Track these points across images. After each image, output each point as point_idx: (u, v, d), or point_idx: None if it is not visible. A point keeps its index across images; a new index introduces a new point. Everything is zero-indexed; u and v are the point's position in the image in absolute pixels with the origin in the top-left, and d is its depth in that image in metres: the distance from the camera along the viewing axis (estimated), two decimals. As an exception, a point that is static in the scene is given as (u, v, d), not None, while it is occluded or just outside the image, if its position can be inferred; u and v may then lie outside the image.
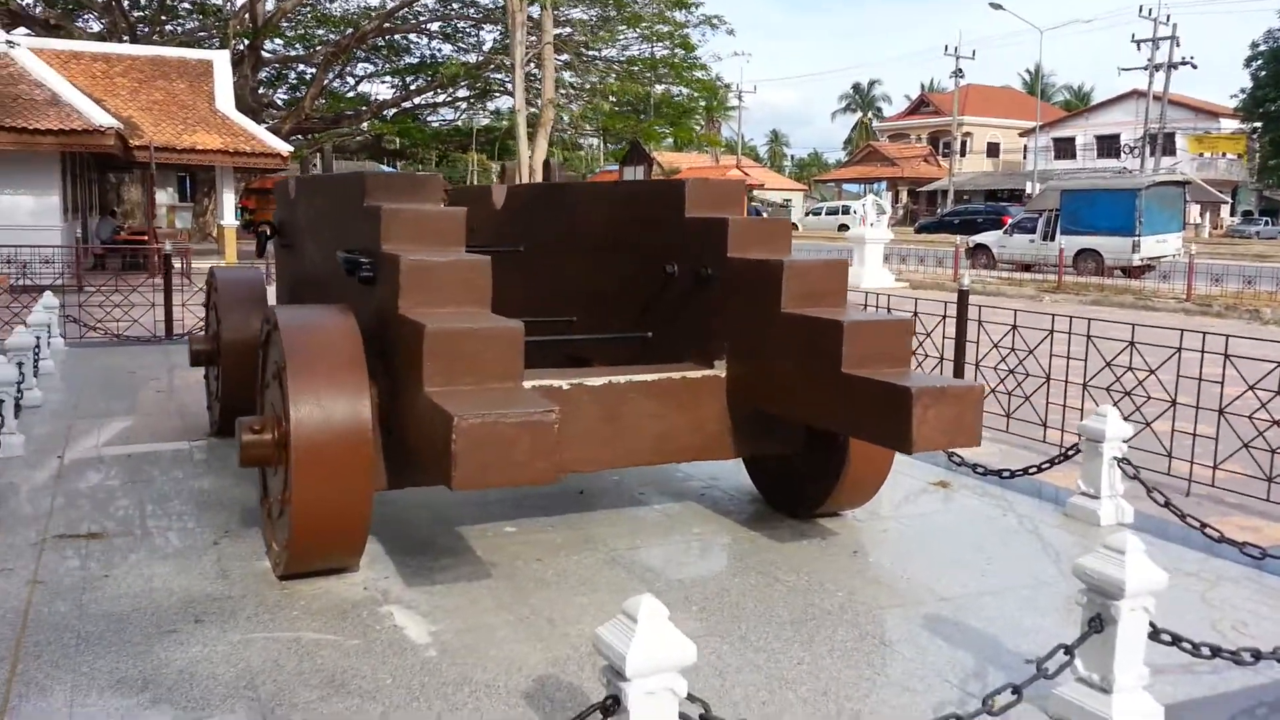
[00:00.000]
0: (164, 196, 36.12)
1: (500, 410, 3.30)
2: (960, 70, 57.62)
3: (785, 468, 5.42)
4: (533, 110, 28.71)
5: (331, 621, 3.86)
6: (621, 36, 35.16)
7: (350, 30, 36.62)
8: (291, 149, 26.67)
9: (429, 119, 41.80)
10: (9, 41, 20.61)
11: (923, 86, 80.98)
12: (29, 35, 31.32)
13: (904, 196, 68.32)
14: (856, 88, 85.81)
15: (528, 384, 4.42)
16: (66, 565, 4.35)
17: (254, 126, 25.72)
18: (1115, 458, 5.26)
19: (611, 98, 36.36)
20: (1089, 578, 3.16)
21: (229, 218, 26.73)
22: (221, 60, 27.02)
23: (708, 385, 4.82)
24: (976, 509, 5.60)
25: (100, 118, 19.26)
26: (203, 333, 7.46)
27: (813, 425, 4.63)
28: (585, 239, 6.14)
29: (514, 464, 3.30)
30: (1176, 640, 3.26)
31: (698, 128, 72.64)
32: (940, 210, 54.47)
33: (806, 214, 57.94)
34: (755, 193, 68.84)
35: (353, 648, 3.65)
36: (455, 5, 37.89)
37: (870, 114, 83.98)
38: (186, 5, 36.72)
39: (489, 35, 39.03)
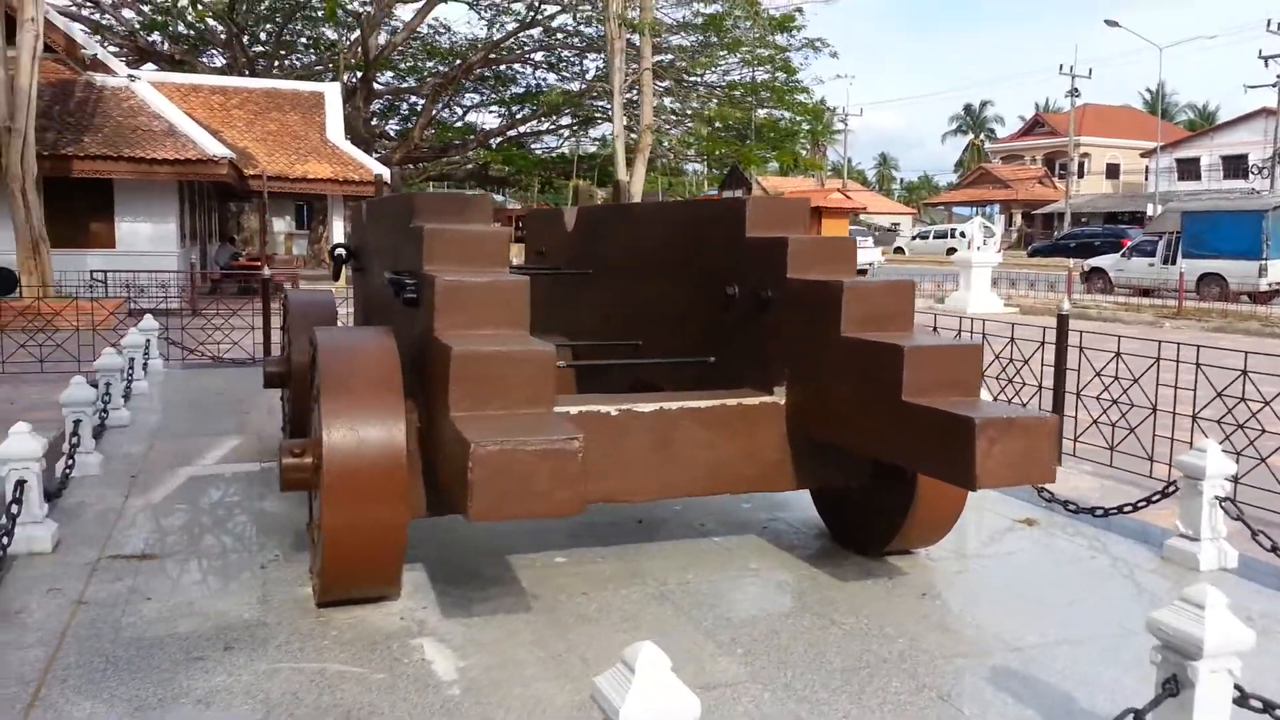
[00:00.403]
0: (282, 224, 37.47)
1: (521, 437, 3.14)
2: (1076, 89, 55.85)
3: (852, 501, 5.13)
4: (632, 136, 28.82)
5: (360, 653, 3.74)
6: (722, 61, 35.13)
7: (458, 62, 37.46)
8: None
9: (534, 146, 42.43)
10: (130, 76, 21.64)
11: (1037, 106, 78.83)
12: (155, 70, 32.97)
13: (1018, 219, 66.41)
14: (968, 109, 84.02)
15: (577, 408, 4.29)
16: (113, 586, 4.35)
17: (362, 156, 26.45)
18: (1217, 496, 4.82)
19: (714, 123, 36.29)
20: (1163, 633, 2.82)
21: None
22: (332, 92, 27.90)
23: (765, 412, 4.59)
24: (1064, 550, 5.20)
25: (214, 147, 20.03)
26: (277, 355, 7.54)
27: (873, 457, 4.34)
28: (650, 261, 5.98)
29: (534, 494, 3.13)
30: (1269, 708, 2.88)
31: (803, 151, 72.16)
32: (1056, 233, 52.68)
33: (913, 238, 56.69)
34: (861, 216, 67.93)
35: (377, 682, 3.52)
36: (559, 35, 38.43)
37: (982, 135, 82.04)
38: (303, 41, 38.10)
39: (592, 64, 39.43)
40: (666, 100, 36.94)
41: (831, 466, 4.69)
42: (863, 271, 30.88)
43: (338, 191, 25.94)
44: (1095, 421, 7.82)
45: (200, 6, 32.37)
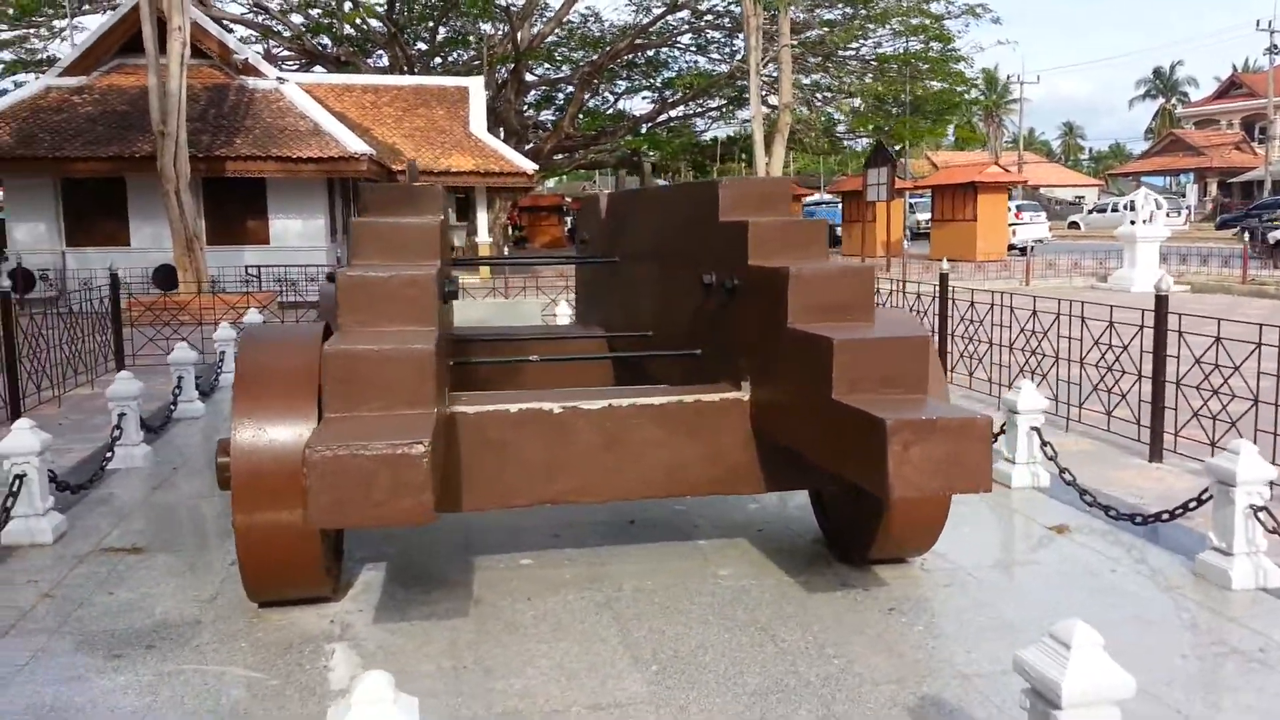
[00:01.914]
0: (441, 216, 38.68)
1: (361, 442, 3.01)
2: (1276, 46, 51.05)
3: (837, 506, 4.78)
4: (775, 115, 28.24)
5: (269, 657, 3.73)
6: (872, 35, 33.93)
7: (606, 49, 37.65)
8: (537, 168, 27.70)
9: (687, 130, 42.22)
10: (279, 78, 22.73)
11: (1234, 67, 72.52)
12: (322, 71, 34.59)
13: (1213, 189, 61.51)
14: (1157, 72, 78.19)
15: (518, 406, 4.14)
16: (88, 580, 4.51)
17: (503, 148, 26.93)
18: (1252, 506, 4.22)
19: (856, 99, 35.18)
20: (1027, 676, 2.44)
21: (483, 235, 28.15)
22: (476, 86, 28.51)
23: (727, 410, 4.31)
24: (1083, 562, 4.68)
25: (355, 145, 20.83)
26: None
27: (813, 460, 3.99)
28: (651, 248, 5.76)
29: (374, 502, 3.00)
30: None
31: (972, 122, 68.93)
32: (1251, 203, 48.47)
33: (1089, 211, 53.32)
34: (1040, 190, 64.42)
35: (267, 689, 3.49)
36: (708, 17, 38.02)
37: (1174, 99, 76.34)
38: (458, 37, 39.12)
39: (741, 44, 38.84)
40: (815, 77, 36.04)
41: (801, 469, 4.36)
42: (1022, 249, 29.24)
43: (481, 183, 26.52)
44: (1196, 414, 7.04)
45: (355, 8, 33.70)
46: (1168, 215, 22.04)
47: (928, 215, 35.41)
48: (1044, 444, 5.75)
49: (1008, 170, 31.76)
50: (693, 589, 4.37)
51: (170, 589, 4.41)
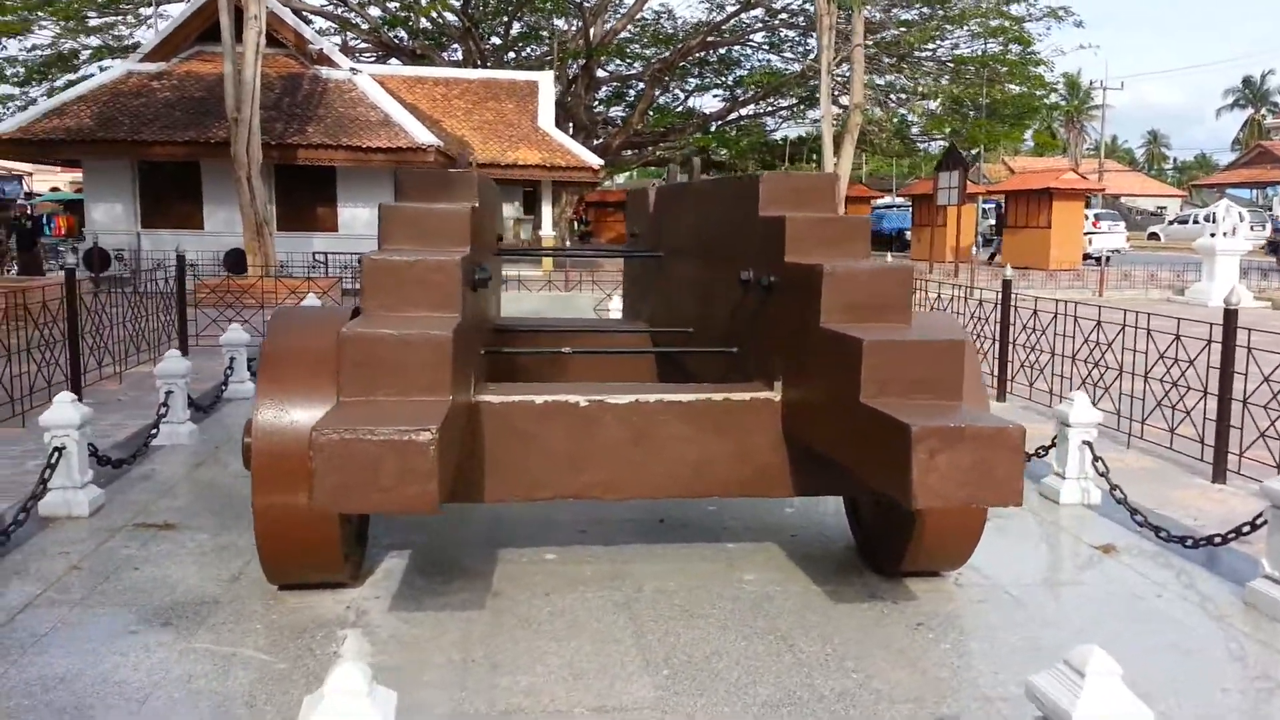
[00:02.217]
0: (510, 209, 38.94)
1: (369, 426, 2.97)
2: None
3: (870, 514, 4.64)
4: (846, 115, 27.86)
5: (281, 640, 3.72)
6: (950, 36, 33.26)
7: (678, 46, 37.52)
8: (602, 163, 27.70)
9: (757, 128, 41.88)
10: (353, 69, 23.04)
11: (1332, 76, 69.92)
12: (398, 64, 35.02)
13: (1304, 202, 59.30)
14: (1246, 81, 75.56)
15: (543, 398, 4.09)
16: (117, 554, 4.56)
17: (570, 142, 26.98)
18: (1310, 535, 3.99)
19: (931, 101, 34.51)
20: (1039, 703, 2.30)
21: (547, 228, 28.26)
22: (545, 81, 28.60)
23: (758, 410, 4.19)
24: (1128, 584, 4.48)
25: (423, 136, 21.02)
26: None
27: (842, 465, 3.86)
28: (693, 243, 5.67)
29: (379, 489, 2.96)
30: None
31: (1052, 128, 67.28)
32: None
33: (1170, 222, 51.79)
34: (1122, 199, 62.76)
35: (274, 672, 3.47)
36: (783, 15, 37.68)
37: (1263, 110, 73.76)
38: (532, 31, 39.32)
39: (815, 43, 38.42)
40: (890, 77, 35.46)
41: (834, 474, 4.22)
42: (1098, 259, 28.47)
43: (547, 177, 26.61)
44: (1262, 435, 6.74)
45: (431, 1, 34.05)
46: (1251, 229, 21.26)
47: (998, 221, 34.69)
48: (1096, 459, 5.53)
49: (1085, 177, 30.95)
50: (715, 593, 4.26)
51: (195, 567, 4.43)
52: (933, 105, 36.20)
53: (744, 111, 40.78)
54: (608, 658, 3.63)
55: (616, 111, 42.80)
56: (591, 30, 35.99)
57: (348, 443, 2.94)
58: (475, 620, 3.93)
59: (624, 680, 3.47)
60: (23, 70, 33.68)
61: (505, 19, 38.32)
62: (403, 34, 38.84)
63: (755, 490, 4.32)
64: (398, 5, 37.64)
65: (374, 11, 37.50)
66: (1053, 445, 5.86)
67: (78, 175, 33.31)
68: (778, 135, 40.30)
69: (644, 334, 6.65)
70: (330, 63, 22.81)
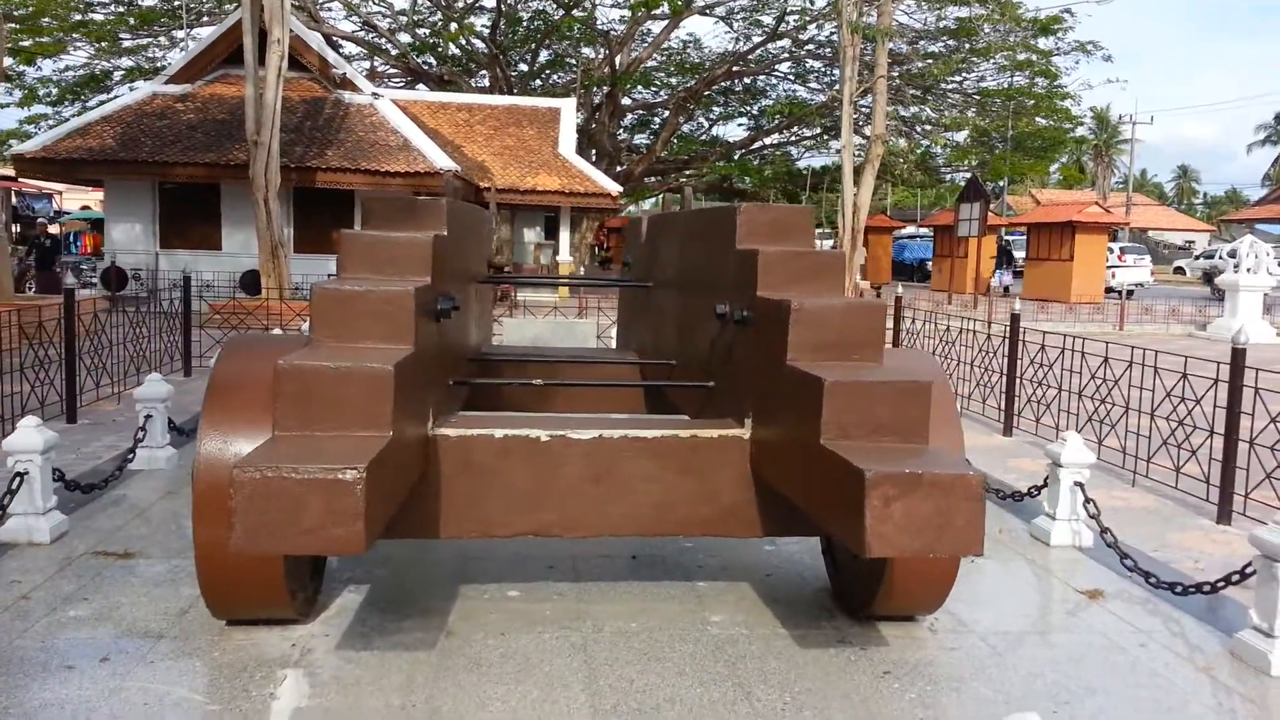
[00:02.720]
0: (531, 234, 39.11)
1: (293, 464, 2.85)
2: None
3: (843, 556, 4.48)
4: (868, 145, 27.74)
5: (220, 679, 3.60)
6: (976, 68, 33.10)
7: (703, 75, 37.60)
8: (621, 190, 27.69)
9: (781, 157, 41.83)
10: (374, 93, 23.18)
11: (1366, 110, 68.99)
12: (425, 90, 35.30)
13: (1337, 238, 58.46)
14: (1278, 117, 74.94)
15: (503, 432, 3.96)
16: (67, 584, 4.46)
17: (590, 169, 27.01)
18: (1301, 589, 3.78)
19: (955, 132, 34.29)
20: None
21: (565, 253, 28.26)
22: (568, 107, 28.70)
23: (726, 447, 4.05)
24: (1111, 633, 4.28)
25: (442, 161, 21.07)
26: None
27: (801, 507, 3.70)
28: (674, 275, 5.55)
29: (303, 529, 2.83)
30: None
31: (1081, 161, 66.79)
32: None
33: (1197, 256, 51.16)
34: (1150, 233, 62.13)
35: (206, 714, 3.35)
36: (809, 46, 37.70)
37: (1295, 144, 72.86)
38: (558, 59, 39.52)
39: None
40: (915, 109, 35.34)
41: (803, 515, 4.07)
42: (1129, 293, 28.12)
43: (566, 203, 26.63)
44: (1269, 475, 6.51)
45: (458, 28, 34.31)
46: (1278, 264, 20.87)
47: (1024, 254, 34.42)
48: (1087, 500, 5.33)
49: (1109, 210, 30.61)
50: (677, 635, 4.11)
51: (146, 599, 4.33)
52: (958, 137, 36.02)
53: (768, 141, 40.79)
54: (554, 704, 3.48)
55: (641, 139, 42.90)
56: (617, 58, 36.17)
57: (269, 481, 2.82)
58: (422, 661, 3.79)
59: (566, 729, 3.32)
60: (55, 90, 34.19)
61: (533, 46, 38.57)
62: (431, 60, 39.19)
63: (721, 530, 4.16)
64: (427, 32, 38.03)
65: (403, 38, 37.88)
66: (1045, 485, 5.67)
67: (106, 195, 33.69)
68: (803, 164, 40.18)
69: (630, 365, 6.52)
70: (353, 87, 22.96)
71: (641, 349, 6.79)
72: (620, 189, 27.24)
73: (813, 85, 39.22)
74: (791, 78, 39.28)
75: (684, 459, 4.05)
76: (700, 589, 4.67)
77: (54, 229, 44.13)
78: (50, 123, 32.71)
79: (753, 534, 4.16)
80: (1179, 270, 49.36)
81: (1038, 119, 33.46)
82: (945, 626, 4.28)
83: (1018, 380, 9.41)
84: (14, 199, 43.71)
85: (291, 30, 20.72)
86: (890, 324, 12.76)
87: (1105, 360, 8.30)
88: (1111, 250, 33.34)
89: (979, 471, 3.03)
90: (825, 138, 38.36)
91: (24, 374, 8.36)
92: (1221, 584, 4.30)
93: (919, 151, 36.00)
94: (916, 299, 25.73)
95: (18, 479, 4.87)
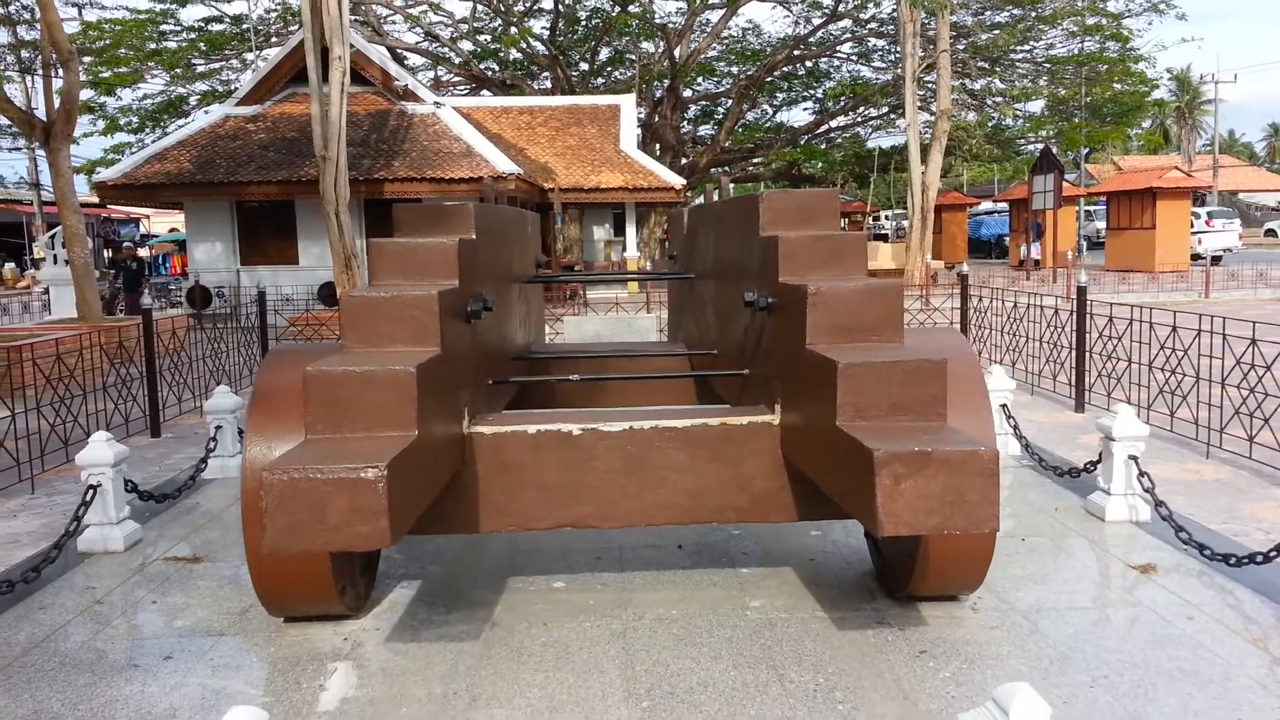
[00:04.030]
0: (601, 232, 39.38)
1: (319, 465, 2.98)
2: None
3: (884, 540, 4.48)
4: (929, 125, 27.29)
5: (272, 674, 3.77)
6: (1044, 36, 32.28)
7: (763, 62, 37.36)
8: (684, 182, 27.66)
9: (850, 140, 41.35)
10: (436, 103, 23.56)
11: None
12: (488, 95, 35.77)
13: None
14: (1378, 63, 71.31)
15: (536, 428, 4.07)
16: (138, 589, 4.70)
17: (652, 163, 27.08)
18: (1351, 554, 3.68)
19: (1027, 103, 33.54)
20: (963, 749, 2.16)
21: (631, 249, 28.39)
22: (627, 103, 28.80)
23: (756, 434, 4.09)
24: (1160, 606, 4.20)
25: (504, 165, 21.35)
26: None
27: (824, 489, 3.72)
28: (716, 264, 5.59)
29: (330, 527, 2.96)
30: None
31: (1165, 125, 64.56)
32: None
33: (1292, 218, 49.14)
34: (1241, 195, 59.82)
35: (259, 706, 3.50)
36: (871, 25, 37.20)
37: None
38: (615, 56, 39.63)
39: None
40: (985, 81, 34.59)
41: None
42: (1216, 259, 27.19)
43: (630, 199, 26.76)
44: (1344, 443, 6.30)
45: (516, 32, 34.66)
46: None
47: (1103, 224, 33.51)
48: (1141, 474, 5.23)
49: (1190, 174, 29.57)
50: (716, 620, 4.16)
51: (210, 600, 4.53)
52: (1030, 108, 35.22)
53: (834, 123, 40.37)
54: (590, 689, 3.57)
55: (706, 130, 42.81)
56: (676, 51, 36.16)
57: (296, 482, 2.95)
58: (466, 652, 3.91)
59: (600, 713, 3.40)
60: (136, 118, 35.47)
61: (592, 45, 38.77)
62: (494, 66, 39.64)
63: (756, 516, 4.20)
64: (488, 38, 38.52)
65: (465, 46, 38.42)
66: (1100, 460, 5.57)
67: (189, 217, 34.84)
68: (871, 145, 39.66)
69: (677, 357, 6.58)
70: (415, 98, 23.39)
71: (689, 340, 6.85)
72: (683, 182, 27.24)
73: (877, 64, 38.70)
74: (855, 58, 38.82)
75: (715, 447, 4.10)
76: (743, 575, 4.71)
77: (144, 252, 45.85)
78: (133, 150, 33.98)
79: (787, 519, 4.19)
80: (1270, 233, 47.49)
81: (1113, 84, 32.48)
82: (988, 605, 4.25)
83: (1087, 355, 9.22)
84: (102, 225, 45.48)
85: (353, 46, 21.20)
86: (958, 303, 12.60)
87: (1173, 330, 8.10)
88: (1198, 215, 32.24)
89: (991, 447, 3.03)
90: (892, 117, 37.82)
91: (107, 392, 8.77)
92: (1274, 553, 4.19)
93: (988, 125, 35.23)
94: (991, 276, 25.24)
95: (91, 491, 5.13)
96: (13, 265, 38.39)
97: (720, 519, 4.22)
